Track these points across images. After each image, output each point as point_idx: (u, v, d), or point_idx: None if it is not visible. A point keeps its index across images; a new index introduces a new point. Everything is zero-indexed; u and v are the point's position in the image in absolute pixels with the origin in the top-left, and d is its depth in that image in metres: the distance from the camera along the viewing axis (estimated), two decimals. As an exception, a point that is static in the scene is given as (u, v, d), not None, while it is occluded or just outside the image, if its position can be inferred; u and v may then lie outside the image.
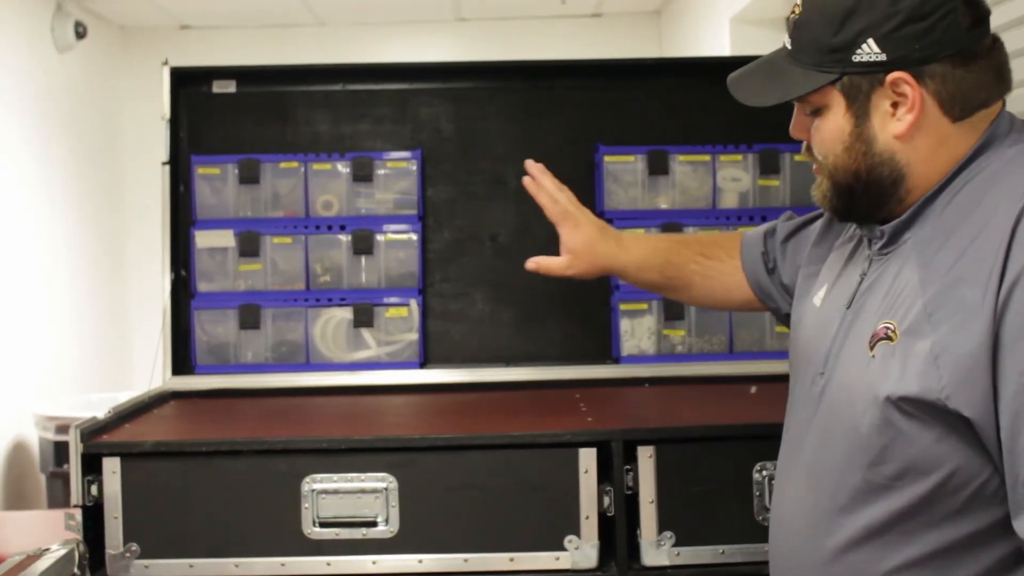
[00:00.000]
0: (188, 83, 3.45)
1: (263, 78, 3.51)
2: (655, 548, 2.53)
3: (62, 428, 5.28)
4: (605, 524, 2.54)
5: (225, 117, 3.47)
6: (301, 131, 3.48)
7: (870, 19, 1.65)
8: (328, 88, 3.50)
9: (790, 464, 1.90)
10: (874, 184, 1.73)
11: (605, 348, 3.40)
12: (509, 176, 3.44)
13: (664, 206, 3.38)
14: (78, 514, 2.53)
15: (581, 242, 2.34)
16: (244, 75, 3.49)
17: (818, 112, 1.77)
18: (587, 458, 2.52)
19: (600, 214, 3.37)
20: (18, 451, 5.65)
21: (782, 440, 1.98)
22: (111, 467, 2.55)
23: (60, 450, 5.30)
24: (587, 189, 3.42)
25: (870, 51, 1.66)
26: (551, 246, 3.37)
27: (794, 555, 1.82)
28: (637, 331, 3.35)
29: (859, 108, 1.71)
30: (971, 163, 1.68)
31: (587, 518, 2.52)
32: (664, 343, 3.35)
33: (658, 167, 3.38)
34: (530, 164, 2.45)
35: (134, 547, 2.54)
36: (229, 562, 2.54)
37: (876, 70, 1.67)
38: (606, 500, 2.53)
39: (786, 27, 1.80)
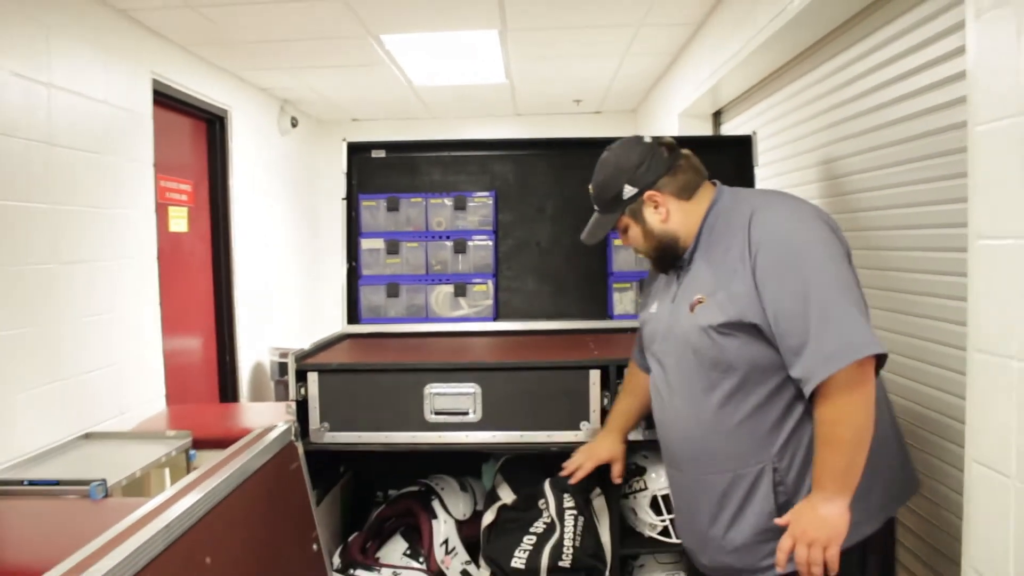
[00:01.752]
0: (357, 151, 3.45)
1: (401, 148, 3.49)
2: (634, 429, 2.51)
3: (284, 354, 5.36)
4: (604, 415, 2.53)
5: (379, 171, 3.46)
6: (423, 180, 3.47)
7: (620, 177, 2.00)
8: (439, 154, 3.48)
9: (663, 397, 2.07)
10: (665, 249, 2.03)
11: (605, 310, 3.37)
12: (547, 207, 3.42)
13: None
14: (293, 405, 2.58)
15: (610, 456, 2.43)
16: (390, 146, 3.48)
17: (626, 229, 2.07)
18: (594, 376, 2.53)
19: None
20: (258, 368, 5.73)
21: (651, 388, 2.15)
22: (313, 378, 2.58)
23: (283, 368, 5.34)
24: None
25: (629, 191, 1.99)
26: (575, 250, 3.37)
27: (686, 433, 1.99)
28: (624, 300, 3.32)
29: (639, 217, 2.02)
30: (708, 216, 1.98)
31: (594, 411, 2.53)
32: (639, 307, 3.31)
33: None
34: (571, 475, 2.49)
35: (325, 424, 2.58)
36: (381, 435, 2.57)
37: (636, 196, 1.99)
38: (605, 400, 2.53)
39: (592, 200, 2.11)
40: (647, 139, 2.03)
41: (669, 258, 2.03)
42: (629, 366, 2.44)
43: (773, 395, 1.85)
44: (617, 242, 3.29)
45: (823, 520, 1.75)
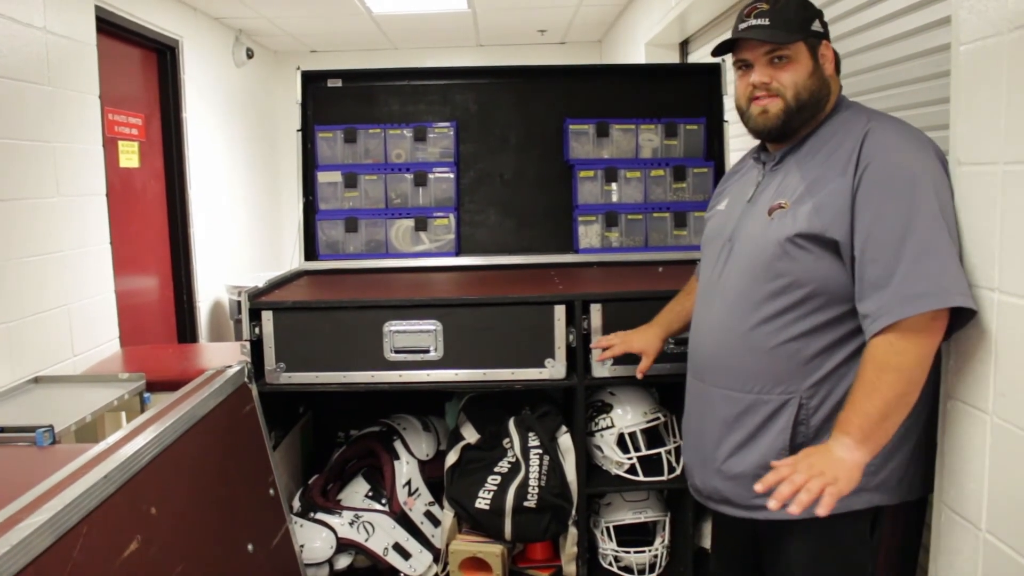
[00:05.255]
0: (312, 81, 3.31)
1: (359, 77, 3.34)
2: (600, 366, 2.46)
3: (240, 292, 5.25)
4: (570, 351, 2.48)
5: (335, 101, 3.32)
6: (382, 110, 3.32)
7: (813, 11, 1.77)
8: (399, 83, 3.34)
9: (707, 299, 1.91)
10: (812, 103, 1.76)
11: (570, 243, 3.28)
12: (511, 138, 3.31)
13: (606, 156, 3.25)
14: (247, 345, 2.50)
15: (642, 348, 2.25)
16: (347, 75, 3.33)
17: (784, 59, 1.75)
18: (559, 311, 2.45)
19: (567, 161, 3.25)
20: (217, 307, 5.61)
21: (697, 294, 2.00)
22: (267, 317, 2.50)
23: (241, 306, 5.22)
24: (558, 145, 3.28)
25: (817, 26, 1.76)
26: (539, 182, 3.29)
27: (717, 340, 1.83)
28: (589, 233, 3.23)
29: (814, 55, 1.76)
30: (832, 116, 1.78)
31: (559, 348, 2.46)
32: (605, 240, 3.24)
33: (602, 132, 3.23)
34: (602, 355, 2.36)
35: (281, 365, 2.50)
36: (339, 374, 2.48)
37: (820, 37, 1.76)
38: (571, 337, 2.46)
39: (755, 14, 1.76)
40: None
41: (803, 117, 1.76)
42: (696, 269, 2.26)
43: (828, 325, 1.68)
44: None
45: (838, 460, 1.54)
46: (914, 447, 1.71)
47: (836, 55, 1.81)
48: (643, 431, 2.53)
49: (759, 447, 1.74)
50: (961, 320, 1.56)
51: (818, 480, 1.52)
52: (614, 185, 3.23)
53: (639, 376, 2.25)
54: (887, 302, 1.55)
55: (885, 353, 1.56)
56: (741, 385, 1.77)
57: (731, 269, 1.82)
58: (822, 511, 1.50)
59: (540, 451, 2.52)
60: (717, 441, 1.82)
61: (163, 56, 5.07)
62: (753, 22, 1.75)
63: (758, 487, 1.58)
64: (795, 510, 1.51)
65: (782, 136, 1.81)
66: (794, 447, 1.70)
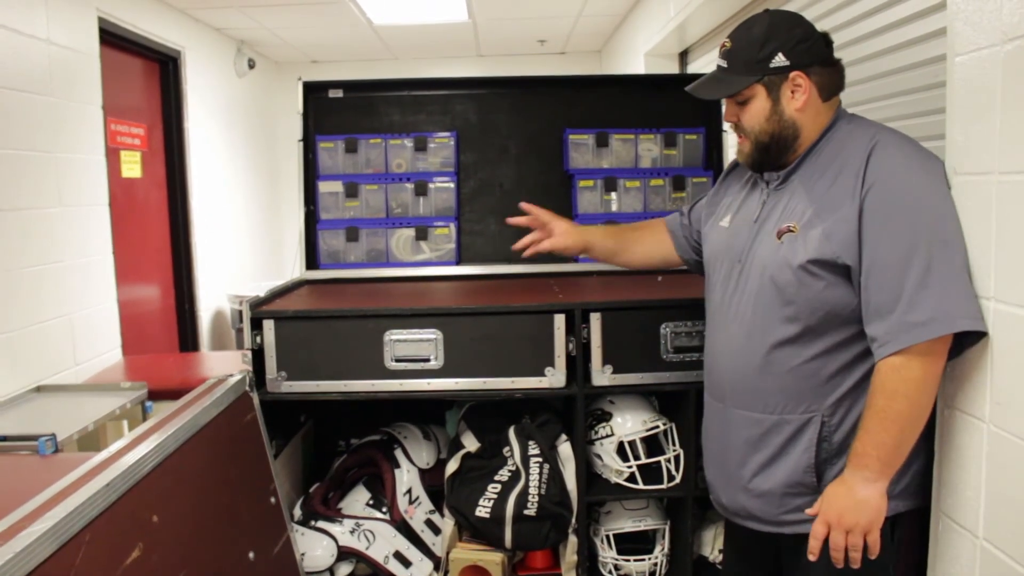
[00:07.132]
0: (313, 91, 3.31)
1: (359, 87, 3.35)
2: (600, 374, 2.46)
3: (241, 301, 5.26)
4: (570, 360, 2.47)
5: (336, 112, 3.33)
6: (382, 120, 3.33)
7: (778, 43, 1.72)
8: (399, 93, 3.34)
9: (720, 321, 1.91)
10: (782, 140, 1.76)
11: (569, 253, 3.29)
12: (510, 148, 3.32)
13: (606, 166, 3.26)
14: (249, 354, 2.50)
15: (565, 227, 2.29)
16: (348, 86, 3.34)
17: (745, 102, 1.78)
18: (559, 320, 2.45)
19: (566, 171, 3.26)
20: (218, 316, 5.61)
21: (707, 313, 2.00)
22: (268, 326, 2.50)
23: (242, 315, 5.23)
24: (558, 155, 3.29)
25: (780, 60, 1.72)
26: (539, 191, 3.29)
27: (735, 364, 1.85)
28: (589, 243, 3.24)
29: (774, 95, 1.75)
30: (829, 131, 1.75)
31: (559, 356, 2.46)
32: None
33: (602, 142, 3.25)
34: (523, 217, 2.34)
35: (282, 374, 2.49)
36: (340, 383, 2.48)
37: (783, 71, 1.72)
38: (570, 345, 2.46)
39: (720, 55, 1.81)
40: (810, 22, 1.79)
41: (774, 154, 1.79)
42: (655, 220, 2.32)
43: (844, 344, 1.70)
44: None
45: (862, 503, 1.61)
46: (931, 453, 1.73)
47: (827, 78, 1.75)
48: (643, 439, 2.54)
49: (785, 465, 1.77)
50: (971, 339, 1.56)
51: (857, 535, 1.62)
52: (614, 195, 3.24)
53: (519, 247, 2.31)
54: (892, 329, 1.57)
55: (893, 380, 1.57)
56: (763, 406, 1.79)
57: (744, 292, 1.82)
58: (873, 557, 1.65)
59: (540, 459, 2.52)
60: (742, 460, 1.84)
61: (165, 67, 5.10)
62: (718, 63, 1.82)
63: (811, 558, 1.69)
64: (856, 565, 1.65)
65: (770, 168, 1.82)
66: (819, 463, 1.74)
